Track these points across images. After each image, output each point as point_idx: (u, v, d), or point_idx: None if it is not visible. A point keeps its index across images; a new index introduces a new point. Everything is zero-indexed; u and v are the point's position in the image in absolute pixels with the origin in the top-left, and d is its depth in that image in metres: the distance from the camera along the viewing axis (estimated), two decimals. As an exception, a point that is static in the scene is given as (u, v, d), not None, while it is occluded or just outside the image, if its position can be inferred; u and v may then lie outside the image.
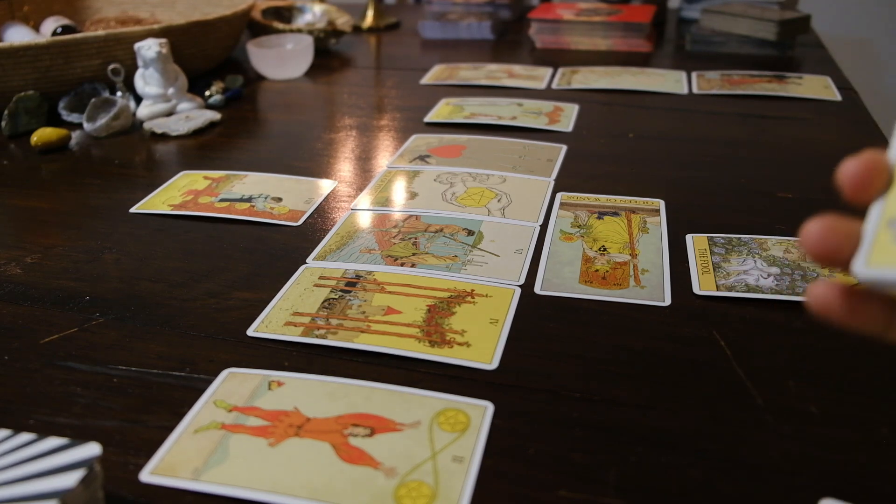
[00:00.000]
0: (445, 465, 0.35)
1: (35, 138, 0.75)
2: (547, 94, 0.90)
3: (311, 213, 0.61)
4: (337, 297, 0.48)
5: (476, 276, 0.50)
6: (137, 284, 0.51)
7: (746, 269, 0.50)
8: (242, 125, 0.83)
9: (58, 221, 0.62)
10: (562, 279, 0.50)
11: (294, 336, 0.45)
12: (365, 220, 0.59)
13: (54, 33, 1.02)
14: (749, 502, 0.33)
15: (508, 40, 1.20)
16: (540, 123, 0.79)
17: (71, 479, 0.29)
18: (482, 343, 0.43)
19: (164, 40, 0.82)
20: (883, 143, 0.73)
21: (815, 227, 0.28)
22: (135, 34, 0.84)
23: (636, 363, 0.42)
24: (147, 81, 0.83)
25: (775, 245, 0.53)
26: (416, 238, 0.56)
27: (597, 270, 0.51)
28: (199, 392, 0.40)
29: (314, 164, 0.72)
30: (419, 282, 0.50)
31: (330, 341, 0.44)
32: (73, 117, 0.83)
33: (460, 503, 0.33)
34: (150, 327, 0.46)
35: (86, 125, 0.79)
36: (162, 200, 0.64)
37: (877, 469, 0.34)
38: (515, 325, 0.45)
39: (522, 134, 0.77)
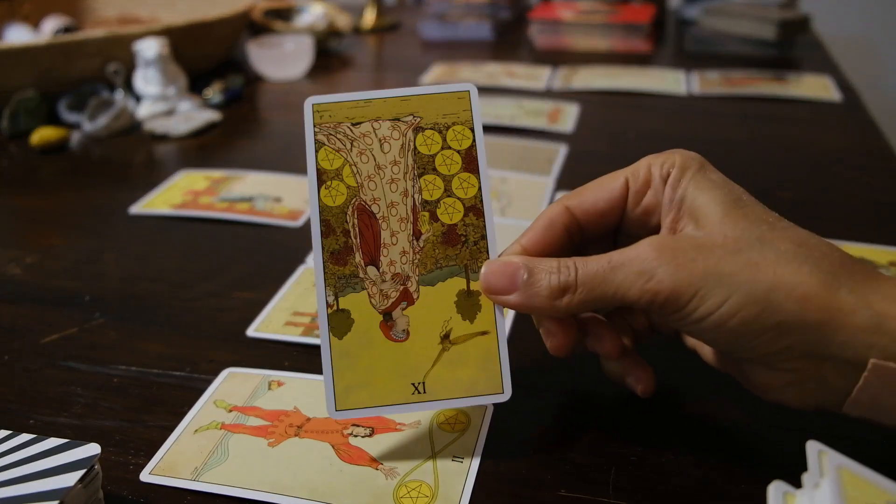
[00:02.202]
0: (445, 465, 0.35)
1: (35, 138, 0.75)
2: (547, 94, 0.90)
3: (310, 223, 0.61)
4: (337, 297, 0.48)
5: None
6: (137, 284, 0.51)
7: (746, 269, 0.50)
8: (242, 125, 0.83)
9: (58, 221, 0.62)
10: (562, 279, 0.50)
11: (294, 336, 0.45)
12: (365, 220, 0.59)
13: (54, 33, 1.02)
14: (749, 502, 0.33)
15: (508, 40, 1.20)
16: (540, 123, 0.79)
17: (71, 479, 0.29)
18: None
19: (164, 40, 0.82)
20: (883, 143, 0.73)
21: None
22: (135, 34, 0.84)
23: (636, 363, 0.42)
24: (147, 81, 0.83)
25: (775, 245, 0.53)
26: (416, 238, 0.56)
27: (597, 270, 0.51)
28: (199, 392, 0.40)
29: (314, 164, 0.72)
30: (419, 282, 0.50)
31: (330, 341, 0.44)
32: (73, 117, 0.83)
33: (460, 503, 0.33)
34: (150, 327, 0.46)
35: (86, 125, 0.79)
36: (162, 200, 0.64)
37: (877, 469, 0.34)
38: (516, 326, 0.45)
39: (522, 134, 0.77)
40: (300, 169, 0.70)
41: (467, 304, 0.35)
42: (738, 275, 0.29)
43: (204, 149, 0.77)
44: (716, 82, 0.92)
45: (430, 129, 0.35)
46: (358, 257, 0.35)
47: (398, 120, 0.35)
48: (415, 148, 0.35)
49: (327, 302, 0.34)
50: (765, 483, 0.34)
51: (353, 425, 0.37)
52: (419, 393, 0.34)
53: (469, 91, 0.36)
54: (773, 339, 0.30)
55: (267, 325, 0.46)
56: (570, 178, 0.66)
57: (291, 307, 0.47)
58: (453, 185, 0.35)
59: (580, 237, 0.36)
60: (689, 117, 0.82)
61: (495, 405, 0.38)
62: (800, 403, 0.32)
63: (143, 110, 0.83)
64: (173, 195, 0.65)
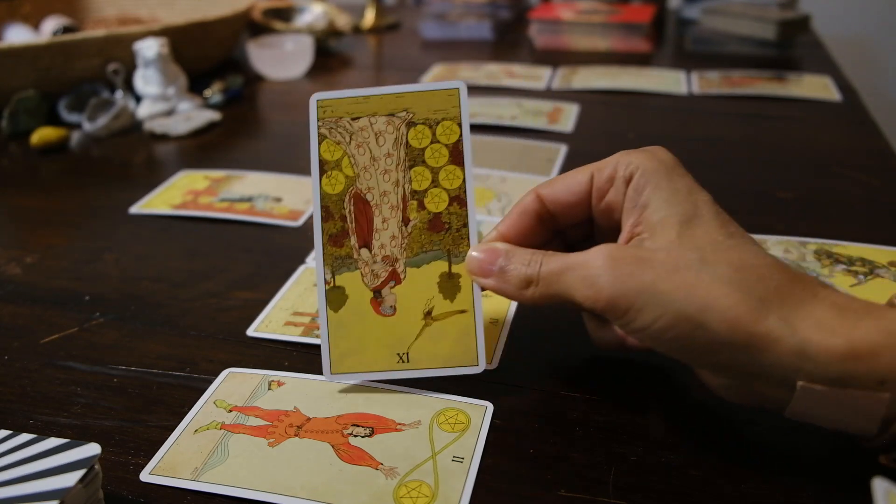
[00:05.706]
0: (445, 465, 0.35)
1: (35, 138, 0.75)
2: (547, 94, 0.90)
3: (312, 213, 0.61)
4: (337, 297, 0.48)
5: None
6: (137, 284, 0.51)
7: (746, 269, 0.50)
8: (242, 125, 0.83)
9: (58, 221, 0.62)
10: (562, 279, 0.50)
11: (294, 336, 0.45)
12: (365, 220, 0.59)
13: (54, 33, 1.02)
14: (749, 502, 0.33)
15: (508, 40, 1.20)
16: (540, 123, 0.79)
17: (71, 479, 0.29)
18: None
19: (164, 40, 0.82)
20: (883, 143, 0.73)
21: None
22: (135, 34, 0.84)
23: (636, 363, 0.42)
24: (147, 81, 0.83)
25: (775, 245, 0.53)
26: (416, 238, 0.56)
27: (597, 270, 0.51)
28: (200, 392, 0.40)
29: (314, 164, 0.72)
30: (419, 282, 0.50)
31: (330, 341, 0.44)
32: (73, 117, 0.83)
33: (460, 503, 0.33)
34: (150, 327, 0.47)
35: (86, 125, 0.79)
36: (162, 200, 0.64)
37: (878, 469, 0.34)
38: (515, 325, 0.45)
39: (522, 134, 0.77)
40: (300, 169, 0.70)
41: (448, 285, 0.38)
42: (672, 293, 0.31)
43: (204, 149, 0.77)
44: (716, 82, 0.92)
45: (422, 123, 0.39)
46: (353, 240, 0.38)
47: (393, 115, 0.39)
48: (407, 142, 0.39)
49: (325, 279, 0.38)
50: (765, 483, 0.34)
51: (353, 425, 0.37)
52: (403, 362, 0.38)
53: (458, 88, 0.39)
54: (706, 354, 0.31)
55: (267, 325, 0.46)
56: (570, 178, 0.66)
57: (291, 307, 0.47)
58: (440, 177, 0.38)
59: (553, 224, 0.38)
60: (689, 117, 0.82)
61: (495, 407, 0.38)
62: (743, 404, 0.33)
63: (143, 110, 0.83)
64: (173, 195, 0.65)
